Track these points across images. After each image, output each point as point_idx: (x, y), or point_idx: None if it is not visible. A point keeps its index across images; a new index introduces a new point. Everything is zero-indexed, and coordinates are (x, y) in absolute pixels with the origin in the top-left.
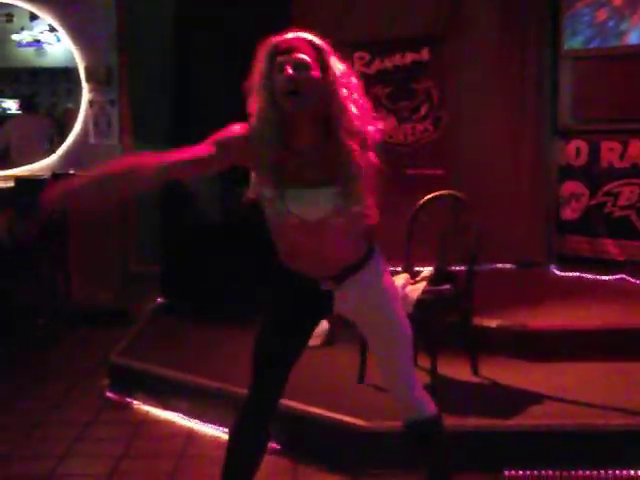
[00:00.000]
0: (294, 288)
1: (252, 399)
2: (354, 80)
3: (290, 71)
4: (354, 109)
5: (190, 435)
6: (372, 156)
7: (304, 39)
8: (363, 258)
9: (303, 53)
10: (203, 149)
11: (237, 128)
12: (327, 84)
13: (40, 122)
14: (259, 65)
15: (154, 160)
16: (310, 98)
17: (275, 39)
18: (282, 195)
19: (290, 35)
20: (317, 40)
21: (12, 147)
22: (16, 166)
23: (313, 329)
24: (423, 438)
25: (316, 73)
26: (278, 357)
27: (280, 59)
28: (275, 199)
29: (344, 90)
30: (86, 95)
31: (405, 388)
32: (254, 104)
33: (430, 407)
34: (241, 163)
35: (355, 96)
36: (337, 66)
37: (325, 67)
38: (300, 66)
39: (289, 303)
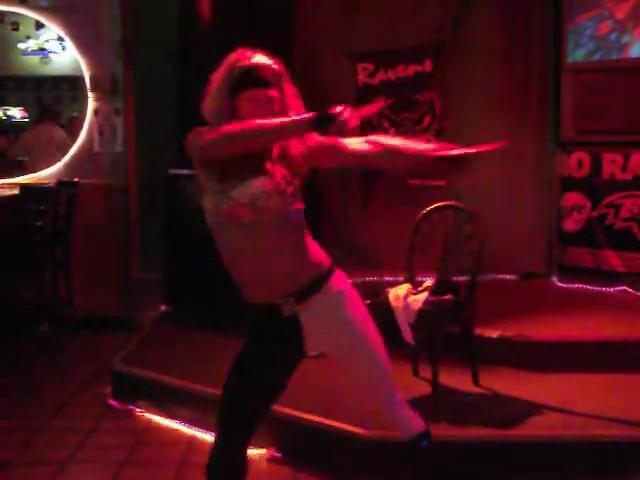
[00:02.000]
0: (262, 323)
1: (222, 445)
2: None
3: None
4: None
5: (192, 443)
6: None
7: (269, 67)
8: (319, 277)
9: (271, 84)
10: None
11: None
12: (281, 103)
13: (57, 130)
14: (221, 78)
15: None
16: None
17: (244, 62)
18: (225, 187)
19: (258, 61)
20: (276, 65)
21: (31, 155)
22: (29, 173)
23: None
24: (410, 456)
25: (277, 107)
26: (252, 410)
27: (252, 92)
28: (218, 192)
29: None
30: (91, 104)
31: (387, 410)
32: (208, 107)
33: (417, 426)
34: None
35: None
36: (290, 87)
37: (281, 89)
38: (269, 102)
39: (260, 348)
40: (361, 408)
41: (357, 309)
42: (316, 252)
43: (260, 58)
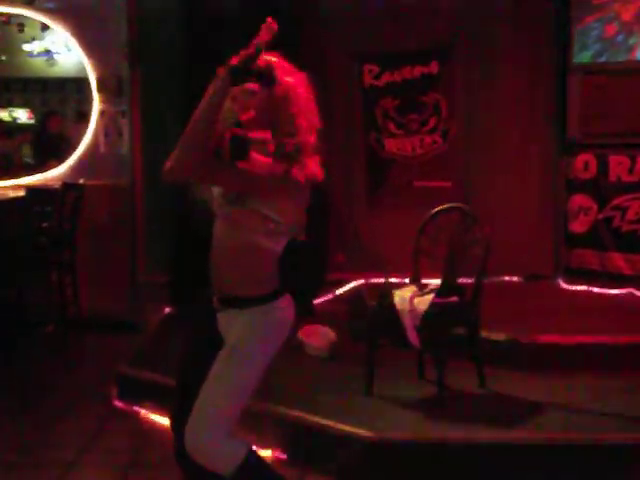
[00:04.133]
0: (204, 302)
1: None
2: (302, 92)
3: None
4: (298, 119)
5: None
6: (310, 166)
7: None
8: (252, 299)
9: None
10: None
11: None
12: (274, 98)
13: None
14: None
15: None
16: (255, 120)
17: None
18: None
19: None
20: (276, 63)
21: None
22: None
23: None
24: None
25: (262, 96)
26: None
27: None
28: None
29: (290, 102)
30: (97, 106)
31: (207, 437)
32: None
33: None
34: None
35: (301, 107)
36: (286, 80)
37: (275, 84)
38: (247, 94)
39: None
40: (370, 410)
41: (259, 348)
42: (260, 279)
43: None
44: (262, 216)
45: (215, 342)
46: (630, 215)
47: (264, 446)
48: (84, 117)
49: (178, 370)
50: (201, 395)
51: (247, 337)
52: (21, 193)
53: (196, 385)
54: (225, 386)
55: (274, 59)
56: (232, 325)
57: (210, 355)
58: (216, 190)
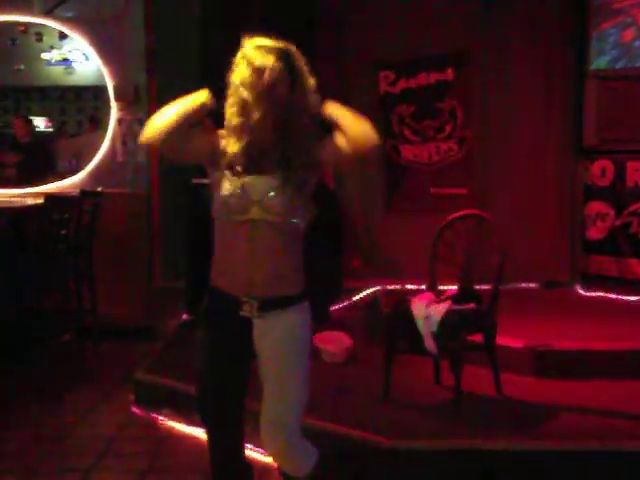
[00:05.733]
0: (220, 311)
1: (215, 450)
2: (316, 95)
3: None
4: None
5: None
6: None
7: (280, 50)
8: (295, 297)
9: (278, 67)
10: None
11: (209, 122)
12: (294, 96)
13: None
14: (239, 68)
15: None
16: (275, 108)
17: (254, 49)
18: (233, 179)
19: (267, 44)
20: (292, 52)
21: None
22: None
23: (245, 369)
24: None
25: (283, 89)
26: (223, 393)
27: (256, 72)
28: (226, 182)
29: (309, 103)
30: (114, 113)
31: (291, 435)
32: (229, 101)
33: (308, 464)
34: (201, 154)
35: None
36: (306, 79)
37: (295, 78)
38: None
39: (218, 332)
40: (387, 415)
41: (307, 342)
42: (299, 271)
43: (270, 43)
44: (298, 208)
45: (244, 352)
46: None
47: None
48: (101, 125)
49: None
50: (273, 399)
51: (299, 331)
52: (39, 201)
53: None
54: (297, 380)
55: (294, 53)
56: (274, 327)
57: (240, 365)
58: (236, 195)
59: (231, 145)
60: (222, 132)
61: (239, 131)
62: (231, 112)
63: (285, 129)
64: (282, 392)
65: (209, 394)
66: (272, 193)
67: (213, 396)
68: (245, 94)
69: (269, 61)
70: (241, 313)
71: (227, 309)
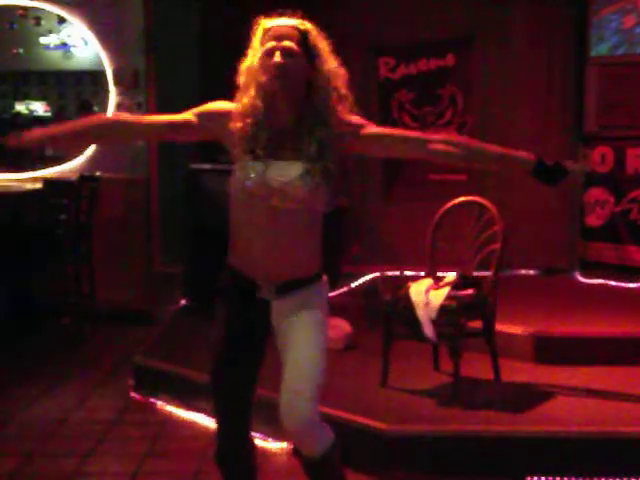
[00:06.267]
0: (237, 291)
1: (223, 429)
2: (341, 71)
3: (279, 58)
4: (335, 98)
5: (213, 435)
6: (348, 142)
7: (296, 27)
8: (313, 277)
9: (292, 41)
10: (180, 116)
11: (222, 103)
12: (314, 71)
13: None
14: (253, 48)
15: (129, 119)
16: (292, 82)
17: (269, 24)
18: (254, 165)
19: (282, 21)
20: (310, 28)
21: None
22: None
23: (261, 345)
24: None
25: (302, 60)
26: (236, 377)
27: (271, 45)
28: (246, 167)
29: (329, 79)
30: (113, 98)
31: (311, 411)
32: (243, 82)
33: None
34: (217, 137)
35: (338, 86)
36: (327, 56)
37: (314, 54)
38: (288, 54)
39: (235, 309)
40: (385, 401)
41: (324, 317)
42: (317, 253)
43: (287, 19)
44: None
45: (261, 326)
46: None
47: (279, 438)
48: (93, 110)
49: (218, 374)
50: (293, 368)
51: (318, 305)
52: (38, 185)
53: (247, 384)
54: (315, 349)
55: (315, 31)
56: (292, 305)
57: (255, 337)
58: (257, 177)
59: (249, 128)
60: (236, 112)
61: (256, 114)
62: (246, 95)
63: (306, 109)
64: (301, 359)
65: (224, 363)
66: (295, 180)
67: (227, 365)
68: (259, 75)
69: (282, 41)
70: (258, 295)
71: (244, 289)
